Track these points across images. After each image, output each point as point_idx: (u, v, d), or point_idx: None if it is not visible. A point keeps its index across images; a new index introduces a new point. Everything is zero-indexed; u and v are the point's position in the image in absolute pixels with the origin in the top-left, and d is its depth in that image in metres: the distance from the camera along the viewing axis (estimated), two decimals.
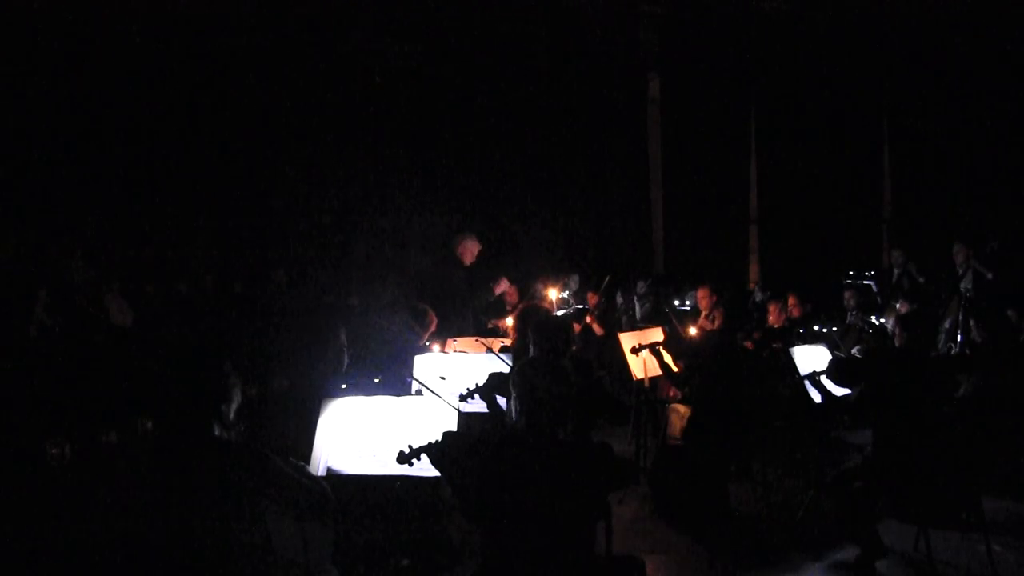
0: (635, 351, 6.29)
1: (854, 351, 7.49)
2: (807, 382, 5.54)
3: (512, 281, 8.45)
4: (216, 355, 2.89)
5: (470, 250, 7.91)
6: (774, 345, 7.06)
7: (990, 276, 8.10)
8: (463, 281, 7.81)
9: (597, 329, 8.85)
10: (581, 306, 9.21)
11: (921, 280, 9.63)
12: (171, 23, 11.28)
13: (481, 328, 7.74)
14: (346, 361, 5.16)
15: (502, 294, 8.29)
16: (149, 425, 4.41)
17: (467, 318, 7.62)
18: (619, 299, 10.94)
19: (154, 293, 9.78)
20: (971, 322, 7.37)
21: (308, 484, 2.85)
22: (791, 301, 8.08)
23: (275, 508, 2.74)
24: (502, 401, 4.21)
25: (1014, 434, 5.35)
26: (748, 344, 7.63)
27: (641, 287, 10.75)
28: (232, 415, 2.85)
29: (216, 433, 2.77)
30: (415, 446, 3.23)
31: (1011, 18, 11.75)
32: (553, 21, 12.52)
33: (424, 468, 3.26)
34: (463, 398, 4.15)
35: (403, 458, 3.24)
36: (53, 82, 10.72)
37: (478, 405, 4.29)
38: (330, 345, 4.68)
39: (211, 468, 2.67)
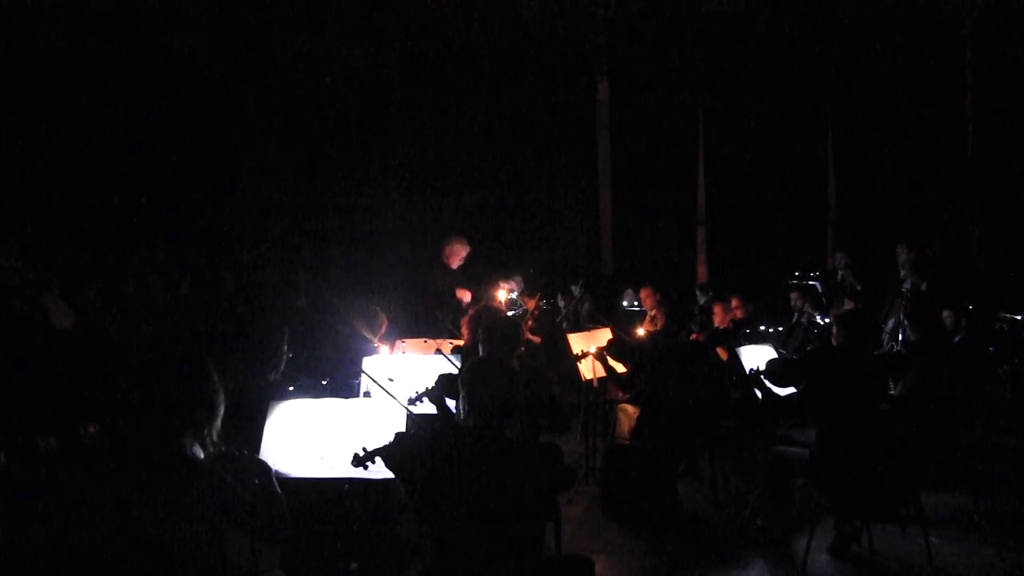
0: (582, 356, 6.29)
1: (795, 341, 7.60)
2: (751, 381, 5.62)
3: (464, 283, 8.39)
4: (195, 354, 2.57)
5: (458, 253, 7.75)
6: (718, 348, 7.12)
7: (924, 287, 8.29)
8: (448, 284, 7.63)
9: (532, 338, 8.51)
10: (524, 309, 9.14)
11: (858, 287, 9.77)
12: (118, 20, 11.06)
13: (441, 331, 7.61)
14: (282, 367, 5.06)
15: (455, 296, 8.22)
16: (92, 430, 4.30)
17: (442, 321, 7.47)
18: (560, 301, 10.94)
19: (97, 295, 9.50)
20: (905, 322, 7.57)
21: (261, 511, 2.60)
22: (734, 303, 8.11)
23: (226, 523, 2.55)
24: (451, 403, 4.20)
25: (951, 431, 5.49)
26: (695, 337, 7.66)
27: (576, 290, 10.72)
28: (213, 430, 2.52)
29: (189, 448, 2.44)
30: (369, 449, 3.20)
31: (953, 24, 12.12)
32: (502, 24, 12.53)
33: (373, 471, 3.23)
34: (412, 401, 4.12)
35: (358, 461, 3.21)
36: None
37: (428, 407, 4.28)
38: (277, 350, 4.60)
39: (164, 483, 2.39)
